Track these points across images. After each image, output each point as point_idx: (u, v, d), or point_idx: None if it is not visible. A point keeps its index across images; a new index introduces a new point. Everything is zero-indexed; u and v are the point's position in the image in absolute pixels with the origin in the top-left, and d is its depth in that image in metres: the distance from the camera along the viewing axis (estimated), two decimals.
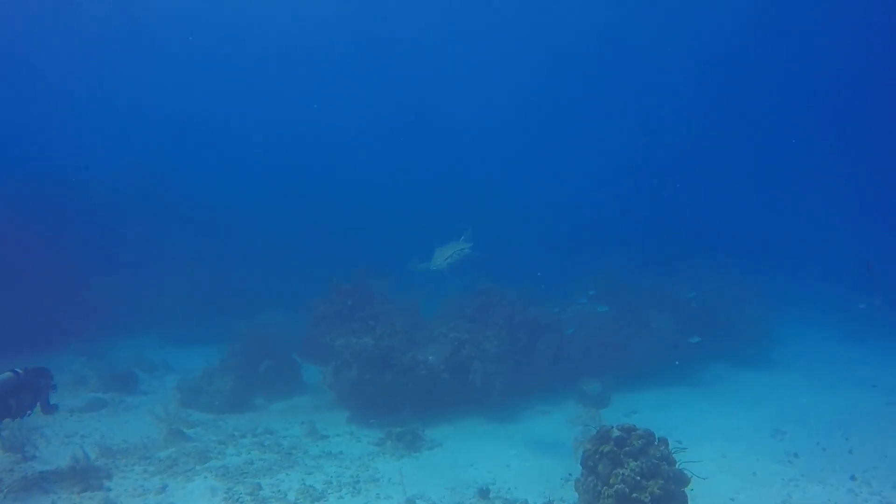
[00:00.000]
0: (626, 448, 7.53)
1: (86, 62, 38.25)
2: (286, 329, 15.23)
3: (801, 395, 13.80)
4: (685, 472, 7.42)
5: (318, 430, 11.25)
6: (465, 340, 12.87)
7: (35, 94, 37.15)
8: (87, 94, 39.07)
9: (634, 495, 6.93)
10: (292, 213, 26.50)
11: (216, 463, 9.46)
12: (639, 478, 7.04)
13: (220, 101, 41.98)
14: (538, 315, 14.42)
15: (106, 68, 38.96)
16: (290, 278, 19.45)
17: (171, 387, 13.72)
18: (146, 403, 12.64)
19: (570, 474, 9.27)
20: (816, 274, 23.58)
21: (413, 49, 42.20)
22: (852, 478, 9.30)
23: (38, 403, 8.75)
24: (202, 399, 12.68)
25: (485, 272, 15.18)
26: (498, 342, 13.17)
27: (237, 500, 8.23)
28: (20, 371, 8.60)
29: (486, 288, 15.16)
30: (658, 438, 7.76)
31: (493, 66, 42.13)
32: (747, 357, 16.72)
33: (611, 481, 7.15)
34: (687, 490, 7.30)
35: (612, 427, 7.85)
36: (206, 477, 8.91)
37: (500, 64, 41.92)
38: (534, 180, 37.27)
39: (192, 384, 12.98)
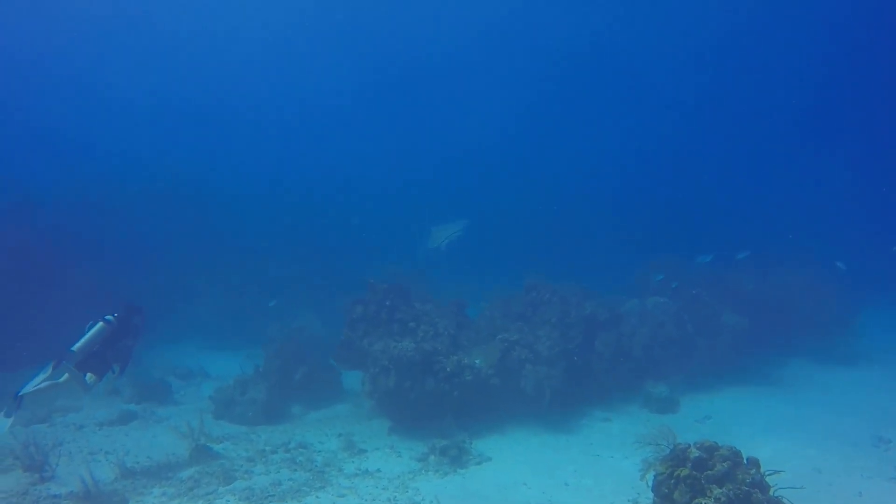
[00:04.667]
0: (708, 472, 6.30)
1: (94, 61, 38.20)
2: (322, 333, 14.44)
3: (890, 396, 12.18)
4: (783, 500, 6.13)
5: (355, 444, 10.32)
6: (514, 342, 11.73)
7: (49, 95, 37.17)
8: (118, 95, 39.20)
9: None
10: (322, 212, 25.92)
11: (241, 484, 8.60)
12: None
13: (245, 106, 41.92)
14: (594, 311, 13.16)
15: (117, 68, 38.93)
16: (324, 280, 18.65)
17: (206, 395, 13.04)
18: (178, 415, 11.98)
19: (638, 495, 8.07)
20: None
21: (424, 50, 41.29)
22: None
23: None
24: (235, 410, 11.93)
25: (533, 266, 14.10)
26: (551, 343, 11.98)
27: None
28: (112, 318, 8.49)
29: (535, 283, 14.00)
30: (747, 459, 6.50)
31: (514, 58, 40.88)
32: (829, 351, 15.19)
33: None
34: None
35: (690, 445, 6.61)
36: (227, 500, 8.05)
37: (523, 55, 40.65)
38: (578, 173, 36.09)
39: (225, 394, 12.27)
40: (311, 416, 12.41)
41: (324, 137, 42.31)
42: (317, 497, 8.24)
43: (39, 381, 7.95)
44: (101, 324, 8.42)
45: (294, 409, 12.60)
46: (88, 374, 8.23)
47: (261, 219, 24.18)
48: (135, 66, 38.47)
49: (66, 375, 8.10)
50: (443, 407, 10.80)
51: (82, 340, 8.28)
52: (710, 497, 6.05)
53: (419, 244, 12.62)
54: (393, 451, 10.18)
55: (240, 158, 36.86)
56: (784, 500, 6.10)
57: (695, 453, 6.48)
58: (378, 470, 9.31)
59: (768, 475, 6.32)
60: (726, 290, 15.33)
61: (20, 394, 7.76)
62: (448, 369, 10.95)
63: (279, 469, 9.20)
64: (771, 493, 6.19)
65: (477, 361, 11.38)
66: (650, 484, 6.73)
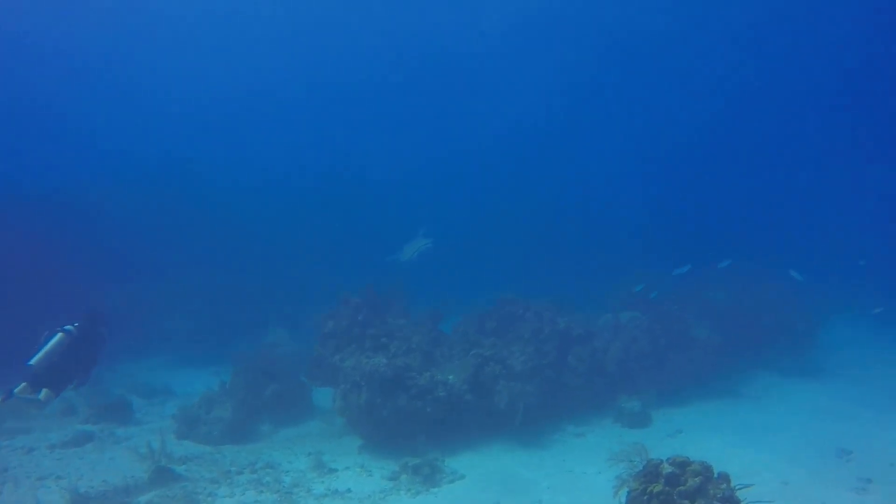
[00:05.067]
0: (681, 487, 6.24)
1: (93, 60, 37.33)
2: (293, 349, 14.14)
3: (863, 409, 12.31)
4: None
5: (325, 463, 10.06)
6: (488, 357, 11.60)
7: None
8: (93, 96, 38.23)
9: None
10: (299, 224, 25.53)
11: None
12: None
13: (224, 118, 41.20)
14: (568, 326, 13.12)
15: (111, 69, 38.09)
16: (298, 294, 18.30)
17: (170, 414, 12.68)
18: (139, 435, 11.57)
19: None
20: (866, 273, 21.95)
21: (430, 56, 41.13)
22: None
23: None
24: (200, 429, 11.59)
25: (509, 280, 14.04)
26: (525, 358, 11.89)
27: None
28: (72, 328, 7.99)
29: (509, 298, 13.93)
30: (718, 474, 6.46)
31: (509, 69, 40.89)
32: (796, 365, 15.36)
33: None
34: None
35: (663, 461, 6.55)
36: None
37: (516, 66, 40.73)
38: (553, 186, 36.20)
39: (190, 412, 11.91)
40: (280, 434, 12.10)
41: (303, 147, 41.60)
42: None
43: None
44: (59, 335, 7.92)
45: (262, 428, 12.28)
46: (44, 390, 7.76)
47: (235, 230, 23.68)
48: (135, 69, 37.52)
49: (45, 392, 7.71)
50: (415, 424, 10.61)
51: (40, 354, 7.80)
52: None
53: (390, 256, 12.60)
54: (364, 469, 9.95)
55: (217, 168, 36.14)
56: None
57: (667, 469, 6.41)
58: (348, 490, 9.08)
59: (738, 489, 6.29)
60: (699, 304, 15.47)
61: None
62: (421, 385, 10.79)
63: (245, 491, 8.91)
64: None
65: (450, 377, 11.23)
66: (623, 501, 6.64)
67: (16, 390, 7.66)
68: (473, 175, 37.86)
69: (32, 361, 7.75)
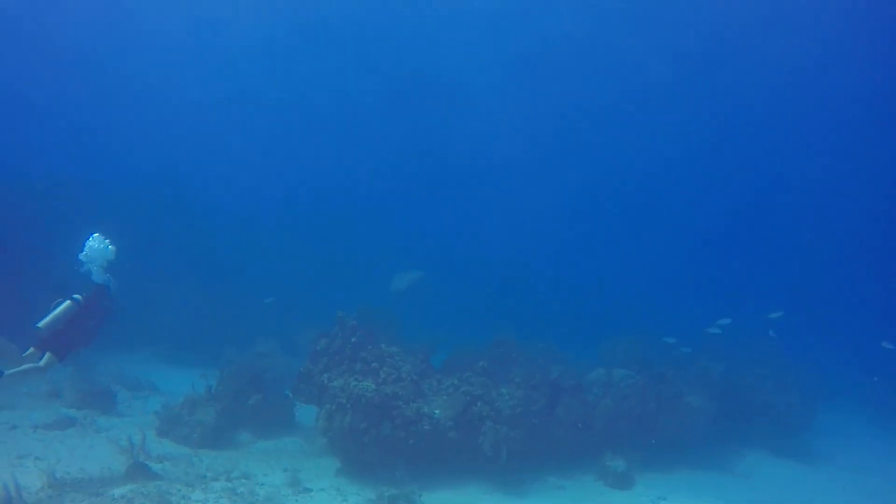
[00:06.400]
0: None
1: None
2: (282, 361, 14.04)
3: (851, 497, 12.17)
4: None
5: (300, 481, 9.91)
6: (477, 396, 11.49)
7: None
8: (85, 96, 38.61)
9: None
10: (301, 239, 25.54)
11: None
12: None
13: (219, 119, 41.36)
14: (560, 376, 13.02)
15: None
16: (293, 308, 18.22)
17: (152, 410, 12.53)
18: (120, 427, 11.44)
19: None
20: (854, 363, 21.90)
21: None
22: None
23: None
24: (181, 430, 11.44)
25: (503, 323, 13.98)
26: (513, 402, 11.76)
27: None
28: (79, 297, 8.46)
29: (503, 340, 13.87)
30: None
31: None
32: (786, 446, 15.16)
33: None
34: None
35: None
36: None
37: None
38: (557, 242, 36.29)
39: (172, 412, 11.78)
40: (259, 445, 11.95)
41: (307, 155, 41.68)
42: None
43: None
44: (68, 302, 8.36)
45: (242, 437, 12.13)
46: (48, 354, 8.06)
47: (238, 233, 23.66)
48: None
49: (48, 356, 8.02)
50: (397, 454, 10.48)
51: (49, 317, 8.19)
52: None
53: (385, 286, 12.61)
54: (339, 493, 9.80)
55: (221, 167, 36.30)
56: None
57: None
58: None
59: None
60: (694, 375, 15.35)
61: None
62: (407, 416, 10.68)
63: (218, 498, 8.76)
64: None
65: (437, 412, 11.12)
66: None
67: (25, 354, 8.06)
68: (472, 205, 37.92)
69: (41, 324, 8.11)
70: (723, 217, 39.89)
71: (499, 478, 10.91)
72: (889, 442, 17.30)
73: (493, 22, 36.82)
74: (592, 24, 35.66)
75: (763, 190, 39.55)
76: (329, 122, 42.49)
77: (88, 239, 8.93)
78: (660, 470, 12.60)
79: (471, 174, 39.87)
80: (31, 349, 8.15)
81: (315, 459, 11.33)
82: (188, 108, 40.37)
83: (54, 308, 8.29)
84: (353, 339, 12.44)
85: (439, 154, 40.49)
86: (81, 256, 8.86)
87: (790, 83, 34.62)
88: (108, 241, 9.00)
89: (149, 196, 20.69)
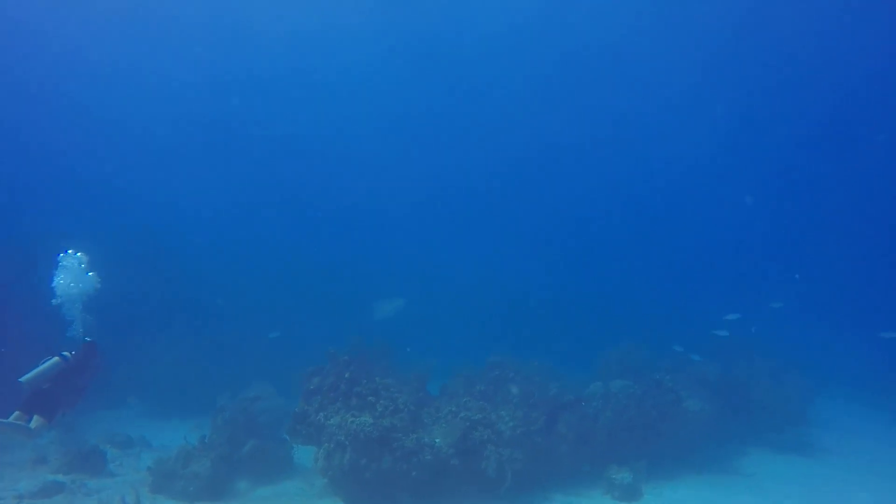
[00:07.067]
0: None
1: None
2: (276, 403, 13.75)
3: (857, 491, 12.12)
4: None
5: None
6: (477, 421, 11.33)
7: None
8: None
9: None
10: (287, 279, 25.30)
11: None
12: None
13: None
14: (558, 392, 12.91)
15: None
16: (283, 348, 17.92)
17: (145, 467, 12.16)
18: (112, 488, 11.09)
19: None
20: (855, 350, 22.07)
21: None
22: None
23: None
24: (176, 484, 11.11)
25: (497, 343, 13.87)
26: (514, 423, 11.62)
27: None
28: (68, 355, 8.06)
29: (499, 361, 13.75)
30: None
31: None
32: (788, 442, 15.24)
33: None
34: None
35: None
36: None
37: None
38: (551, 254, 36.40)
39: (166, 466, 11.45)
40: (258, 492, 11.63)
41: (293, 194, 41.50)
42: None
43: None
44: (55, 359, 7.97)
45: (240, 485, 11.81)
46: (35, 417, 7.66)
47: (220, 276, 23.37)
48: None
49: (36, 419, 7.61)
50: (400, 487, 10.26)
51: (34, 373, 7.80)
52: None
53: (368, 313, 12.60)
54: None
55: (203, 212, 35.87)
56: None
57: None
58: None
59: None
60: (691, 377, 15.33)
61: None
62: (407, 447, 10.48)
63: None
64: None
65: (437, 440, 10.93)
66: None
67: (9, 419, 7.57)
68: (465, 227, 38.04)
69: (24, 378, 7.74)
70: (722, 218, 40.60)
71: (505, 500, 10.72)
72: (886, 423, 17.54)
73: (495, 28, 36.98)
74: (601, 36, 35.98)
75: (762, 190, 40.16)
76: (324, 152, 42.53)
77: (60, 257, 8.44)
78: (665, 477, 12.49)
79: (464, 195, 40.12)
80: (17, 412, 7.71)
81: (316, 501, 11.06)
82: (162, 152, 39.81)
83: (42, 364, 7.92)
84: (346, 375, 12.21)
85: (433, 177, 40.76)
86: (55, 285, 8.43)
87: (790, 84, 35.31)
88: (82, 256, 8.51)
89: (132, 247, 20.30)
